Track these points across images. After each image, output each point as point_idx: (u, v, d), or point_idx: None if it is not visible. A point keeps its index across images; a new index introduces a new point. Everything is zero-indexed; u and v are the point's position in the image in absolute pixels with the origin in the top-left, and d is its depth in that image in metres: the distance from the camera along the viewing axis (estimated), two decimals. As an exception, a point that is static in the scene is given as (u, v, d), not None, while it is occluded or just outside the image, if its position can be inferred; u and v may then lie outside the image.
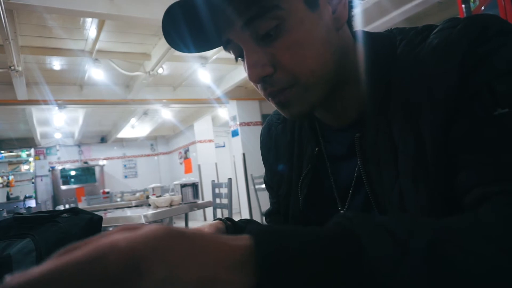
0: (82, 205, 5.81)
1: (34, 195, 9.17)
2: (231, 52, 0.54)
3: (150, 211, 2.48)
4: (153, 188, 4.06)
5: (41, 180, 9.55)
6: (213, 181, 3.87)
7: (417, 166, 0.46)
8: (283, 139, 0.71)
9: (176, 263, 0.23)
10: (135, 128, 9.51)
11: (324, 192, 0.63)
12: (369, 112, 0.53)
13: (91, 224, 1.04)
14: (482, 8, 2.28)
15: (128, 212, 2.88)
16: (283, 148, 0.70)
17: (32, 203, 8.33)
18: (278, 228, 0.29)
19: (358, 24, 0.58)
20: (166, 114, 7.81)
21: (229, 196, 3.31)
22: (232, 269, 0.24)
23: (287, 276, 0.25)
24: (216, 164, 8.89)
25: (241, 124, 6.99)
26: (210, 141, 9.02)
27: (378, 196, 0.52)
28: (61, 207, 4.70)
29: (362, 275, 0.27)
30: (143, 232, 0.23)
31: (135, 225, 0.25)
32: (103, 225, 1.12)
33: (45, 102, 5.75)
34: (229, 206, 3.26)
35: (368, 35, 0.57)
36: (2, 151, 9.39)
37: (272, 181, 0.74)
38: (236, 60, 0.56)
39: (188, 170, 9.59)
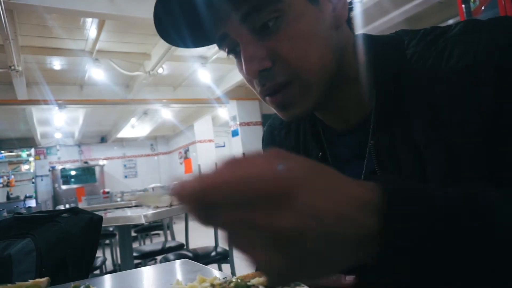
0: (82, 205, 5.81)
1: (34, 195, 9.18)
2: (225, 49, 0.52)
3: (150, 211, 2.48)
4: (153, 188, 4.05)
5: (41, 180, 9.55)
6: (213, 181, 3.86)
7: (450, 173, 0.46)
8: (288, 146, 0.69)
9: (319, 196, 0.26)
10: (135, 128, 9.51)
11: None
12: (379, 116, 0.52)
13: (91, 224, 1.04)
14: (482, 8, 2.27)
15: (128, 212, 2.88)
16: None
17: (32, 203, 8.33)
18: (401, 179, 0.33)
19: (359, 24, 0.57)
20: (166, 114, 7.81)
21: (229, 196, 3.31)
22: (361, 209, 0.27)
23: (414, 217, 0.28)
24: (216, 164, 8.87)
25: (241, 124, 6.99)
26: (210, 141, 9.02)
27: None
28: (61, 207, 4.70)
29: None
30: (300, 165, 0.27)
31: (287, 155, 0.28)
32: (103, 225, 1.12)
33: (45, 102, 5.76)
34: (229, 206, 3.24)
35: (371, 37, 0.56)
36: (2, 151, 9.40)
37: None
38: (228, 55, 0.53)
39: (188, 170, 9.59)
